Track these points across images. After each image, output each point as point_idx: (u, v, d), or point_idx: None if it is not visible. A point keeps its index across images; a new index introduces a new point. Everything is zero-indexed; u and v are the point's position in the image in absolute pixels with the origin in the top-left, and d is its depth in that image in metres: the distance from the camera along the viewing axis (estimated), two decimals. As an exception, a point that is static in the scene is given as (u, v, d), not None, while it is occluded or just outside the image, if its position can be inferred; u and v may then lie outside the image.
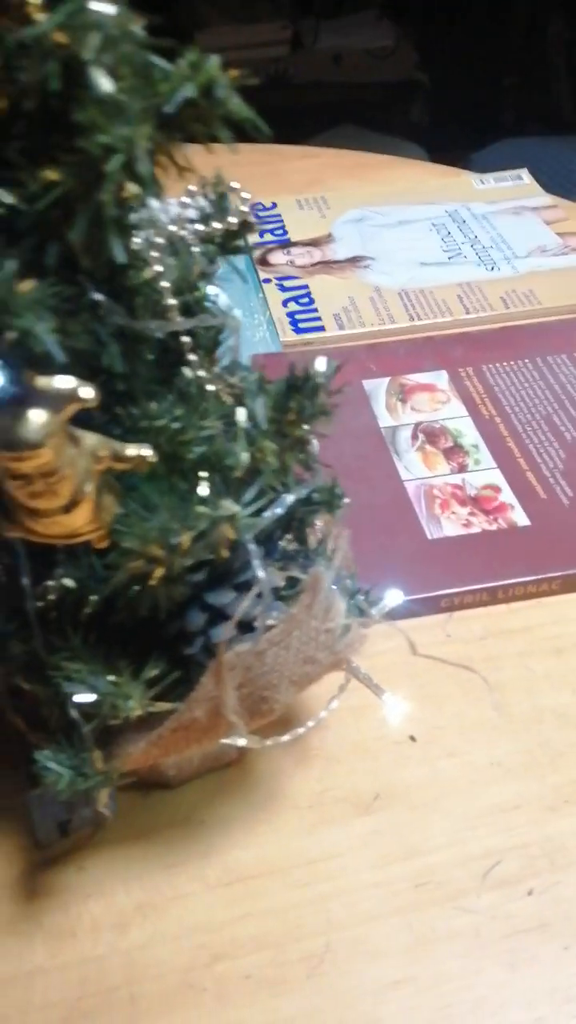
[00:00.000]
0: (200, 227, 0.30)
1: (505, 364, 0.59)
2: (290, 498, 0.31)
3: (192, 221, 0.30)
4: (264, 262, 0.70)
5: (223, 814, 0.38)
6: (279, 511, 0.30)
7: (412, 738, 0.40)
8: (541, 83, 2.26)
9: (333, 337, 0.63)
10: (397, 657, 0.43)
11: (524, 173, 0.81)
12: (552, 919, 0.35)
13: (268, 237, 0.73)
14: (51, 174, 0.20)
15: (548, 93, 2.26)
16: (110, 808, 0.34)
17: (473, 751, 0.40)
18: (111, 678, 0.29)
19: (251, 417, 0.29)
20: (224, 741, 0.32)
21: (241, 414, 0.29)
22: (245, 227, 0.32)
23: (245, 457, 0.28)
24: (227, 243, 0.32)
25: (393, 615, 0.45)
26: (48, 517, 0.24)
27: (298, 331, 0.63)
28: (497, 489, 0.50)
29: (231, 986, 0.33)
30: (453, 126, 2.17)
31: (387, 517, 0.49)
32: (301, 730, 0.34)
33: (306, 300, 0.66)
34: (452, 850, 0.37)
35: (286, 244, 0.72)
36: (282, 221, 0.75)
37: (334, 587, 0.32)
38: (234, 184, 0.32)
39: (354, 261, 0.70)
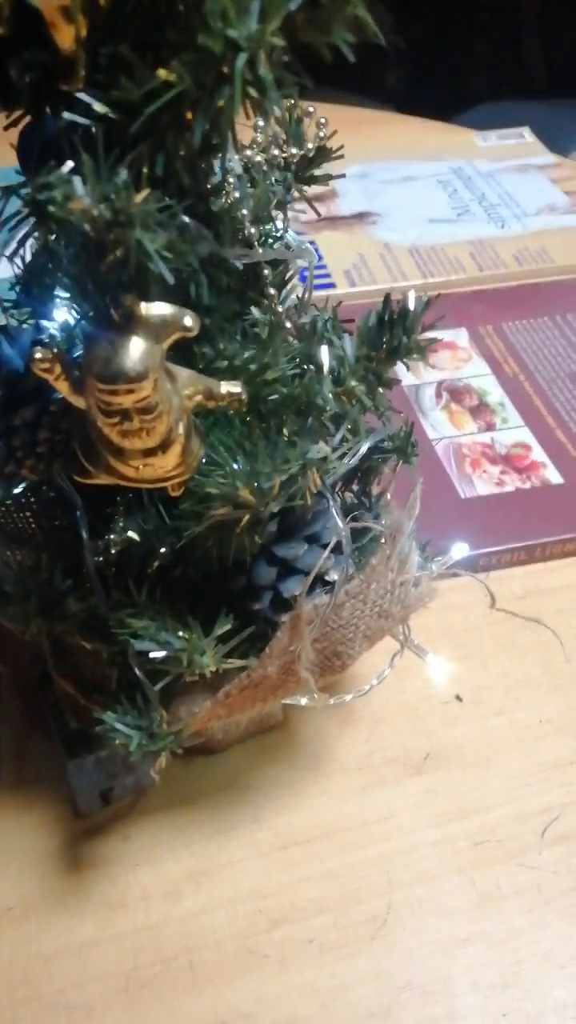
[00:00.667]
0: (276, 153, 0.29)
1: (524, 322, 0.58)
2: (365, 444, 0.29)
3: (267, 148, 0.28)
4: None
5: (270, 778, 0.36)
6: (356, 458, 0.28)
7: (458, 697, 0.40)
8: (514, 49, 2.24)
9: (345, 294, 0.61)
10: (436, 617, 0.43)
11: (526, 131, 0.80)
12: (614, 875, 0.34)
13: (271, 192, 0.71)
14: (166, 74, 0.18)
15: (520, 60, 2.25)
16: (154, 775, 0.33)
17: (521, 709, 0.39)
18: (182, 634, 0.27)
19: (337, 356, 0.28)
20: (287, 701, 0.31)
21: (324, 353, 0.27)
22: (322, 153, 0.30)
23: (331, 398, 0.26)
24: (302, 171, 0.30)
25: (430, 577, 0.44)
26: (138, 459, 0.23)
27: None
28: (527, 447, 0.49)
29: (294, 950, 0.32)
30: (427, 91, 2.15)
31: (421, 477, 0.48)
32: (367, 687, 0.32)
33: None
34: (509, 807, 0.36)
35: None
36: (285, 176, 0.73)
37: (410, 539, 0.30)
38: (310, 108, 0.30)
39: (361, 217, 0.68)
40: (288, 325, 0.29)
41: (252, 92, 0.19)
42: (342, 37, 0.20)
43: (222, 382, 0.23)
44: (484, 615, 0.43)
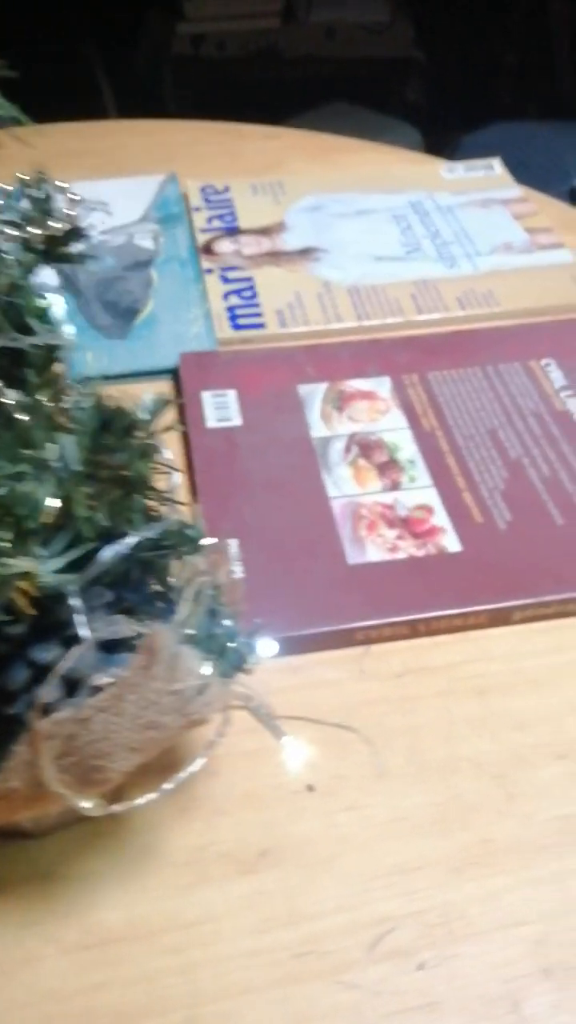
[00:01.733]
0: (15, 231, 0.26)
1: (454, 371, 0.55)
2: (122, 545, 0.27)
3: (7, 223, 0.26)
4: (208, 250, 0.66)
5: (90, 869, 0.34)
6: (106, 558, 0.26)
7: (310, 787, 0.37)
8: (543, 64, 2.20)
9: (273, 335, 0.59)
10: (305, 694, 0.40)
11: (496, 163, 0.77)
12: (443, 996, 0.32)
13: (216, 224, 0.69)
14: None
15: (550, 74, 2.20)
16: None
17: (376, 804, 0.37)
18: None
19: (62, 456, 0.25)
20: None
21: (52, 451, 0.25)
22: (73, 234, 0.27)
23: (52, 502, 0.24)
24: (52, 250, 0.28)
25: (302, 647, 0.42)
26: None
27: (236, 327, 0.59)
28: (430, 510, 0.47)
29: (81, 1067, 0.30)
30: (449, 107, 2.12)
31: (307, 538, 0.45)
32: (142, 800, 0.30)
33: (249, 294, 0.62)
34: (341, 916, 0.34)
35: (234, 232, 0.68)
36: (233, 207, 0.71)
37: (184, 644, 0.28)
38: (61, 184, 0.28)
39: (305, 253, 0.66)
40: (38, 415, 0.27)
41: None
42: None
43: None
44: (356, 693, 0.40)
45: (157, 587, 0.30)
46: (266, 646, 0.32)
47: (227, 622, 0.32)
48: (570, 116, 1.98)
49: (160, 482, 0.29)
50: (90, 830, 0.35)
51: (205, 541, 0.30)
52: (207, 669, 0.28)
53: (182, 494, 0.48)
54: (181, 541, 0.30)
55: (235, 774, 0.37)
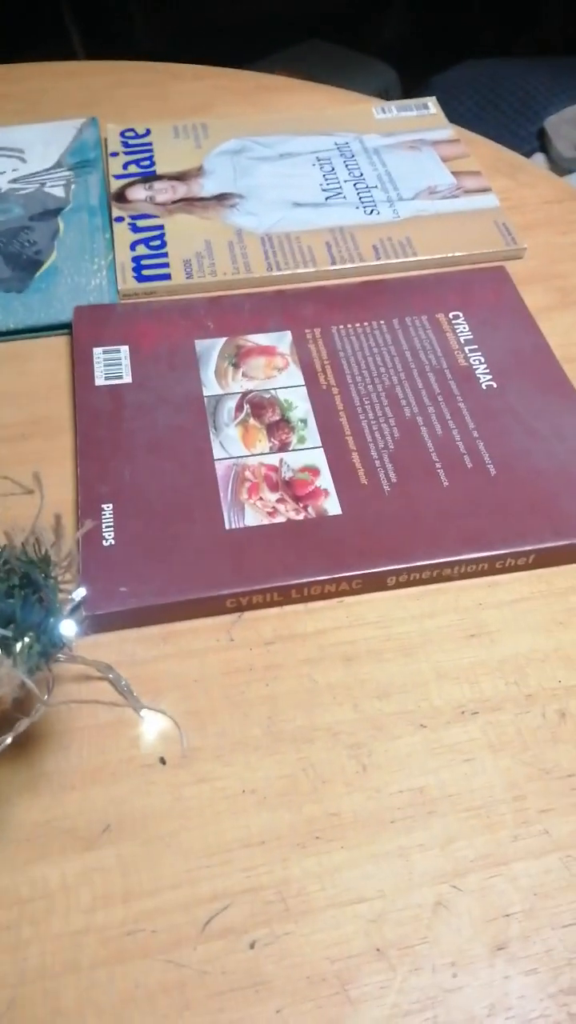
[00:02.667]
0: None
1: (357, 325, 0.53)
2: None
3: None
4: (121, 198, 0.63)
5: None
6: None
7: (162, 760, 0.36)
8: (529, 2, 2.11)
9: (178, 287, 0.57)
10: (171, 664, 0.39)
11: (432, 102, 0.74)
12: (271, 976, 0.31)
13: (133, 169, 0.66)
14: None
15: (536, 14, 2.11)
16: None
17: (227, 776, 0.36)
18: None
19: None
20: None
21: None
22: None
23: None
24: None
25: (173, 615, 0.41)
26: None
27: (140, 279, 0.57)
28: (316, 472, 0.45)
29: None
30: (430, 45, 2.04)
31: (186, 502, 0.44)
32: None
33: (158, 243, 0.60)
34: (178, 892, 0.33)
35: (150, 178, 0.65)
36: (151, 151, 0.68)
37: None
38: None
39: (221, 199, 0.63)
40: None
41: None
42: None
43: None
44: (221, 663, 0.39)
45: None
46: (67, 627, 0.30)
47: (50, 598, 0.31)
48: (553, 54, 1.90)
49: None
50: None
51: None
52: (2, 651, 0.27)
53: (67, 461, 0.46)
54: None
55: (88, 748, 0.37)
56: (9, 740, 0.30)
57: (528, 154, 1.37)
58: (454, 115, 1.41)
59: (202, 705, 0.38)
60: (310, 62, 1.84)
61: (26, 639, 0.28)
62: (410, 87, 1.72)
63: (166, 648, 0.40)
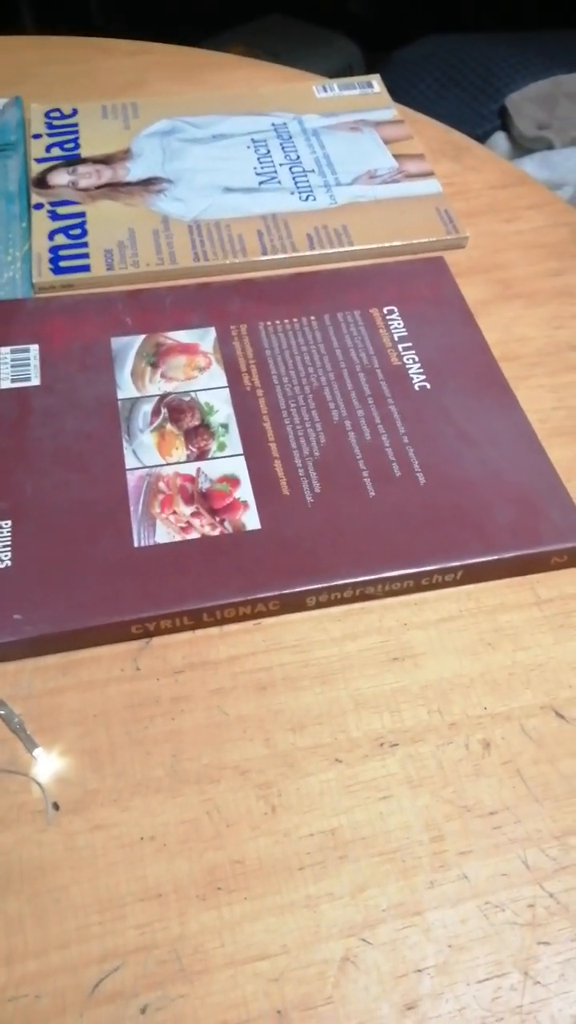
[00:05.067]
0: None
1: (286, 321, 0.50)
2: None
3: None
4: (42, 183, 0.60)
5: None
6: None
7: (55, 806, 0.34)
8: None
9: (98, 279, 0.53)
10: (71, 696, 0.37)
11: (376, 80, 0.70)
12: (163, 1045, 0.29)
13: (56, 152, 0.62)
14: None
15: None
16: None
17: (125, 822, 0.33)
18: None
19: None
20: None
21: None
22: None
23: None
24: None
25: (73, 643, 0.38)
26: None
27: (57, 271, 0.53)
28: (235, 482, 0.42)
29: None
30: (398, 20, 1.99)
31: (93, 517, 0.41)
32: None
33: (78, 232, 0.56)
34: (65, 953, 0.31)
35: (73, 161, 0.62)
36: (77, 133, 0.64)
37: None
38: None
39: (147, 184, 0.60)
40: None
41: None
42: None
43: None
44: (125, 695, 0.37)
45: None
46: None
47: None
48: (527, 30, 1.86)
49: None
50: None
51: None
52: None
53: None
54: None
55: (-27, 791, 0.34)
56: None
57: (489, 132, 1.34)
58: (414, 92, 1.37)
59: (102, 743, 0.35)
60: (271, 37, 1.78)
61: None
62: (374, 64, 1.67)
63: (65, 679, 0.37)
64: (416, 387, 0.47)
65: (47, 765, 0.35)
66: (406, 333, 0.49)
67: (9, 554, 0.39)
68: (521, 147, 1.30)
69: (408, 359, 0.48)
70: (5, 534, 0.40)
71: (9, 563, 0.39)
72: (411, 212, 0.58)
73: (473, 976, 0.30)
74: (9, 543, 0.40)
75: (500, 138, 1.33)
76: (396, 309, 0.51)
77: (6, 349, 0.48)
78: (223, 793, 0.34)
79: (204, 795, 0.34)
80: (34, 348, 0.48)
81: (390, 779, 0.35)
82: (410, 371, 0.47)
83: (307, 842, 0.33)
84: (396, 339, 0.49)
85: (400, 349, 0.49)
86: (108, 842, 0.33)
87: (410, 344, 0.49)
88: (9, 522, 0.40)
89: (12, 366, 0.47)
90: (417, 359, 0.48)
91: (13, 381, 0.46)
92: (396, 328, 0.50)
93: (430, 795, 0.34)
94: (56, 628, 0.37)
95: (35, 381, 0.47)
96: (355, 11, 2.02)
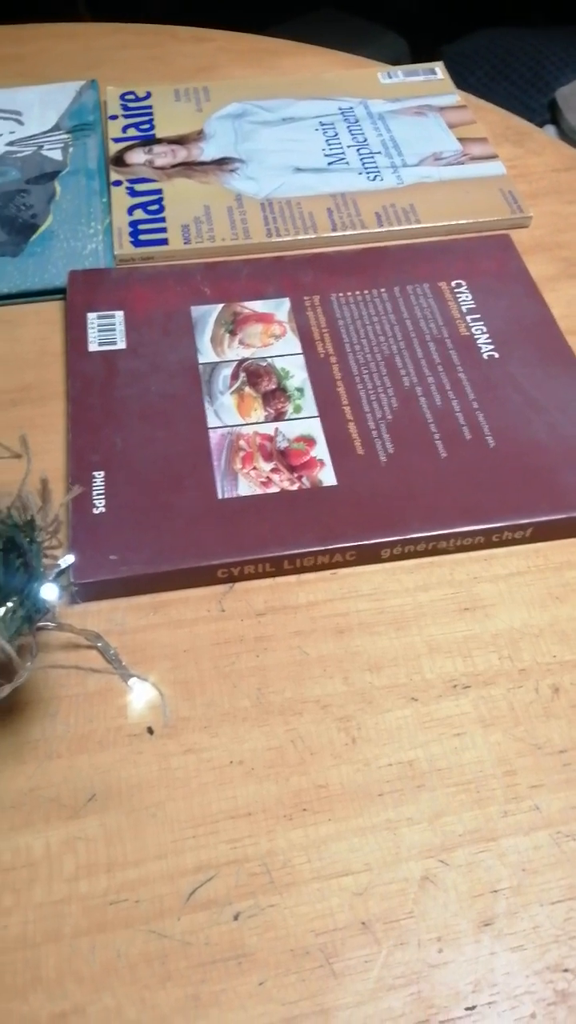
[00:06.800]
0: None
1: (356, 293, 0.52)
2: None
3: None
4: (120, 161, 0.62)
5: None
6: None
7: (150, 730, 0.36)
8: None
9: (175, 252, 0.56)
10: (160, 633, 0.39)
11: (439, 67, 0.72)
12: (254, 948, 0.31)
13: (132, 132, 0.65)
14: None
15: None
16: None
17: (215, 747, 0.36)
18: None
19: None
20: None
21: None
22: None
23: None
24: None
25: (163, 584, 0.40)
26: None
27: (137, 244, 0.56)
28: (311, 442, 0.44)
29: None
30: (446, 15, 2.00)
31: (179, 471, 0.43)
32: None
33: (156, 208, 0.58)
34: (162, 863, 0.33)
35: (149, 141, 0.64)
36: (152, 115, 0.66)
37: None
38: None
39: (221, 164, 0.62)
40: None
41: None
42: None
43: None
44: (211, 634, 0.39)
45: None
46: (51, 591, 0.30)
47: (35, 563, 0.30)
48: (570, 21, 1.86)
49: None
50: None
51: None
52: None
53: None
54: None
55: (75, 716, 0.36)
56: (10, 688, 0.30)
57: (539, 125, 1.35)
58: (464, 86, 1.38)
59: (191, 675, 0.38)
60: (320, 30, 1.80)
61: (9, 604, 0.28)
62: (422, 58, 1.69)
63: (156, 618, 0.39)
64: (484, 356, 0.48)
65: (142, 693, 0.37)
66: (474, 305, 0.51)
67: (104, 501, 0.42)
68: (570, 140, 1.31)
69: (476, 330, 0.50)
70: (99, 483, 0.42)
71: (104, 509, 0.41)
72: (476, 192, 0.60)
73: (547, 898, 0.32)
74: (103, 492, 0.42)
75: (549, 131, 1.34)
76: (464, 283, 0.53)
77: (93, 315, 0.50)
78: (306, 724, 0.36)
79: (288, 725, 0.36)
80: (119, 314, 0.50)
81: (463, 718, 0.36)
82: (478, 341, 0.49)
83: (386, 771, 0.35)
84: (464, 311, 0.51)
85: (468, 320, 0.50)
86: (200, 764, 0.35)
87: (478, 316, 0.51)
88: (103, 472, 0.43)
89: (99, 330, 0.49)
90: (485, 330, 0.50)
91: (100, 344, 0.49)
92: (464, 300, 0.52)
93: (502, 733, 0.36)
94: (148, 569, 0.39)
95: (120, 345, 0.49)
96: (404, 6, 2.03)
